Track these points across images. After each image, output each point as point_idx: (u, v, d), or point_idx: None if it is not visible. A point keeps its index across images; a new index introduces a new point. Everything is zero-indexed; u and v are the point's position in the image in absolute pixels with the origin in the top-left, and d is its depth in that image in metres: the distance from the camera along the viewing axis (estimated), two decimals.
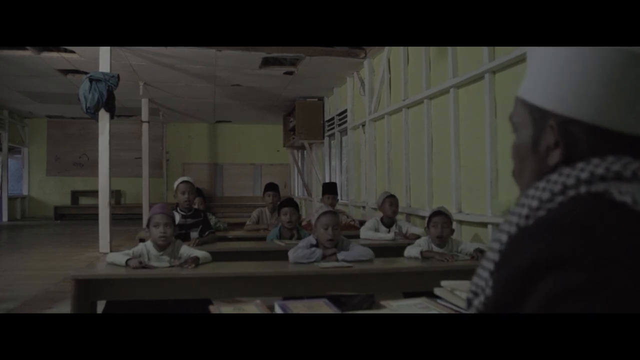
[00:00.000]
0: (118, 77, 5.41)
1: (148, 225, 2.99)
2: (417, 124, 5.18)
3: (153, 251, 2.92)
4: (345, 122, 7.67)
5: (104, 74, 5.33)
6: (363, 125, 6.81)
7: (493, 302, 0.59)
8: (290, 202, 4.14)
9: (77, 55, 6.34)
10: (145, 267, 2.79)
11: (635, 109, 0.62)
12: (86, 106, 5.22)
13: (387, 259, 3.22)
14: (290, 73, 7.29)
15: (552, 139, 0.66)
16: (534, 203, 0.62)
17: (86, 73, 5.61)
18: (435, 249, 3.23)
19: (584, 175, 0.61)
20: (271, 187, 4.91)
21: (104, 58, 5.52)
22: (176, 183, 4.02)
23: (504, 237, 0.63)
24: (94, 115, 5.38)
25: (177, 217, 3.82)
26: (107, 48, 5.51)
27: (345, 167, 8.26)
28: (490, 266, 0.64)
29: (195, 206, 4.30)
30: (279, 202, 4.43)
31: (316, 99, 8.96)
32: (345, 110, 7.66)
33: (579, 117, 0.64)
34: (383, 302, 1.53)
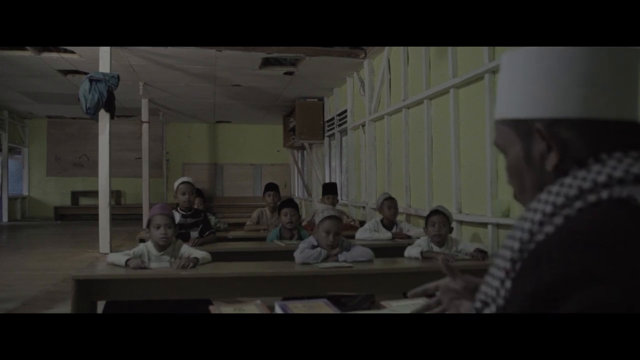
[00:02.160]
0: (118, 77, 5.41)
1: (148, 226, 3.00)
2: (417, 124, 5.18)
3: (153, 251, 2.93)
4: (345, 122, 7.67)
5: (104, 74, 5.33)
6: (363, 126, 6.81)
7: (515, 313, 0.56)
8: (290, 203, 4.14)
9: (77, 56, 6.34)
10: (145, 267, 2.80)
11: (614, 95, 0.62)
12: (86, 106, 5.22)
13: (387, 259, 3.22)
14: (290, 73, 7.29)
15: (543, 144, 0.65)
16: (548, 208, 0.60)
17: (86, 73, 5.61)
18: (435, 248, 3.23)
19: (602, 179, 0.58)
20: (271, 187, 4.91)
21: (104, 58, 5.52)
22: (176, 183, 4.03)
23: (516, 244, 0.61)
24: (94, 115, 5.38)
25: (177, 217, 3.83)
26: (107, 48, 5.51)
27: (345, 168, 8.26)
28: (502, 275, 0.62)
29: (195, 206, 4.31)
30: (279, 203, 4.44)
31: (316, 99, 8.96)
32: (345, 111, 7.66)
33: (564, 115, 0.63)
34: (383, 302, 1.53)
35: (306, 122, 8.84)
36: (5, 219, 11.20)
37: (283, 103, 9.59)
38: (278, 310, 1.36)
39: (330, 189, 5.47)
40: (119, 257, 2.83)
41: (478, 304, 0.65)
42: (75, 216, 12.09)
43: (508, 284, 0.60)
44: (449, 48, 4.41)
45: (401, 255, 3.26)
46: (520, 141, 0.69)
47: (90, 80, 5.21)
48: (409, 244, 3.36)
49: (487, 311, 0.63)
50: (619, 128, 0.62)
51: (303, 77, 7.49)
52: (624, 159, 0.59)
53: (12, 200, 11.80)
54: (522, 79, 0.67)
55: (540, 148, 0.66)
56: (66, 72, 7.23)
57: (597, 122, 0.62)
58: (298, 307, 1.38)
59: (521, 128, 0.68)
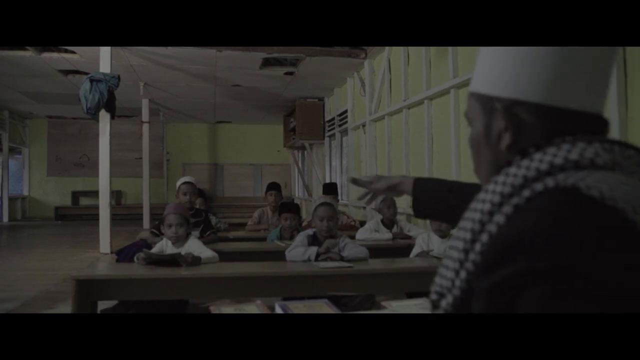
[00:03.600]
0: (118, 77, 5.41)
1: (163, 223, 3.26)
2: (418, 125, 5.18)
3: (169, 244, 3.19)
4: (346, 122, 7.67)
5: (104, 74, 5.33)
6: (363, 126, 6.81)
7: (478, 308, 0.57)
8: (291, 207, 4.13)
9: (78, 56, 6.35)
10: (152, 260, 2.91)
11: (575, 85, 0.63)
12: (87, 106, 5.23)
13: (387, 259, 3.22)
14: (291, 73, 7.29)
15: (502, 123, 0.67)
16: (496, 198, 0.61)
17: (87, 73, 5.61)
18: (436, 239, 3.27)
19: (544, 167, 0.60)
20: (273, 187, 4.92)
21: (104, 58, 5.52)
22: (178, 183, 4.06)
23: (468, 235, 0.62)
24: (94, 115, 5.38)
25: None
26: (108, 48, 5.51)
27: (345, 168, 8.26)
28: (456, 265, 0.63)
29: (197, 206, 4.32)
30: (280, 202, 4.45)
31: (316, 100, 8.96)
32: (346, 111, 7.66)
33: (524, 97, 0.65)
34: (384, 303, 1.53)
35: (306, 122, 8.84)
36: (5, 219, 11.20)
37: (283, 103, 9.59)
38: (278, 310, 1.35)
39: (330, 189, 5.48)
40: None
41: (434, 296, 0.66)
42: (76, 216, 12.09)
43: (463, 274, 0.61)
44: (449, 48, 4.41)
45: (401, 255, 3.26)
46: (483, 116, 0.71)
47: (91, 81, 5.22)
48: (410, 244, 3.36)
49: (443, 302, 0.64)
50: (580, 118, 0.63)
51: (303, 77, 7.49)
52: (563, 145, 0.61)
53: (12, 200, 11.80)
54: (493, 56, 0.69)
55: (499, 126, 0.67)
56: (67, 72, 7.23)
57: (558, 109, 0.63)
58: (298, 307, 1.38)
59: (486, 104, 0.70)
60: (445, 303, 0.63)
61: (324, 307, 1.39)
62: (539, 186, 0.58)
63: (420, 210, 1.21)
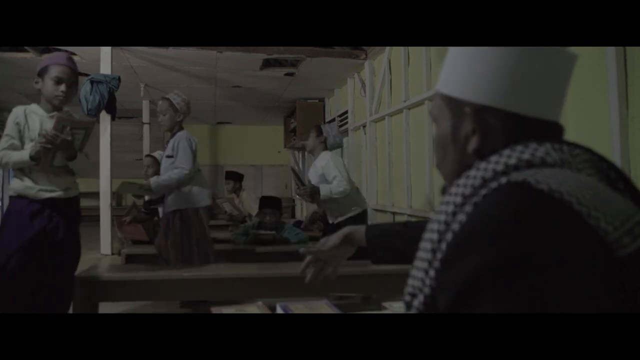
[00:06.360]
0: (119, 79, 5.41)
1: (41, 75, 2.38)
2: (418, 125, 5.18)
3: (40, 112, 2.39)
4: (346, 123, 7.67)
5: (105, 75, 5.34)
6: (364, 127, 6.81)
7: (446, 305, 0.60)
8: (271, 203, 4.15)
9: (78, 57, 6.35)
10: (48, 140, 2.29)
11: (539, 96, 0.69)
12: (87, 108, 5.23)
13: None
14: (291, 74, 7.29)
15: (469, 126, 0.71)
16: (458, 200, 0.65)
17: (87, 75, 5.62)
18: None
19: (500, 167, 0.65)
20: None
21: (104, 60, 5.53)
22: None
23: (435, 236, 0.66)
24: (95, 117, 5.38)
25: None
26: (108, 50, 5.52)
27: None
28: (425, 265, 0.67)
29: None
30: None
31: (317, 100, 8.96)
32: (346, 112, 7.66)
33: (491, 103, 0.69)
34: (384, 303, 1.53)
35: (307, 123, 8.83)
36: None
37: (284, 104, 9.59)
38: (279, 310, 1.36)
39: (230, 175, 5.55)
40: (18, 156, 2.33)
41: (407, 297, 0.70)
42: None
43: (432, 272, 0.65)
44: (450, 48, 4.41)
45: None
46: (450, 118, 0.75)
47: (91, 82, 5.22)
48: None
49: (415, 302, 0.67)
50: (539, 125, 0.68)
51: (304, 78, 7.49)
52: (516, 147, 0.66)
53: None
54: (463, 60, 0.73)
55: (466, 129, 0.72)
56: None
57: (520, 116, 0.68)
58: (299, 308, 1.38)
59: (453, 106, 0.74)
60: (417, 302, 0.67)
61: (324, 308, 1.39)
62: (494, 184, 0.63)
63: (376, 255, 1.21)
